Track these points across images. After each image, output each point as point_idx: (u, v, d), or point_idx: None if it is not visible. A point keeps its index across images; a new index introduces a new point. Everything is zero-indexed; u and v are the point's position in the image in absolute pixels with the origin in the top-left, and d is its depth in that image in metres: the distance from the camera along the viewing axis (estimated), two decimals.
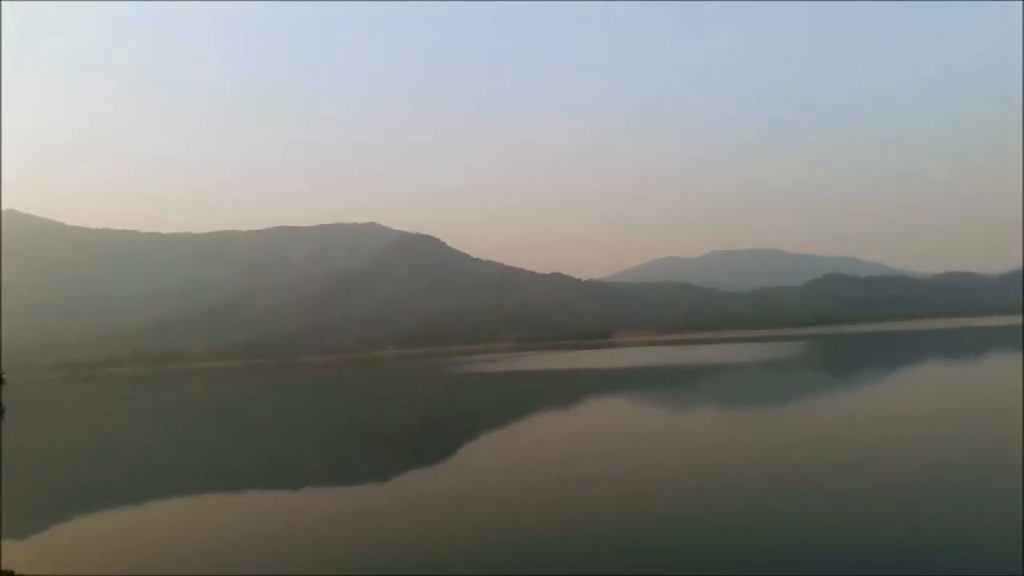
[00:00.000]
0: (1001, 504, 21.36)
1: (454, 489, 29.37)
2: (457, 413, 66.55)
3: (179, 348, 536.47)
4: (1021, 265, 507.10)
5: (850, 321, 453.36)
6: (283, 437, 55.25)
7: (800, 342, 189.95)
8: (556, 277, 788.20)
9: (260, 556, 20.70)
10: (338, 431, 58.11)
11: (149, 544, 23.12)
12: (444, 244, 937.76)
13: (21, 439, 65.35)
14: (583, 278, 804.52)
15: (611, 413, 57.17)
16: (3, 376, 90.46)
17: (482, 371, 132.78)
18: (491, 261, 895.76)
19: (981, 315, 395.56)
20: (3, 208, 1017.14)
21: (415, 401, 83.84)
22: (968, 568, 16.39)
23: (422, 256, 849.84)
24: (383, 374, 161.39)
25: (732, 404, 57.28)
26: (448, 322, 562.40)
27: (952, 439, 33.74)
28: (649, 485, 27.45)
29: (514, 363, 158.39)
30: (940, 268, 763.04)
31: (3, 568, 16.44)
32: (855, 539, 18.89)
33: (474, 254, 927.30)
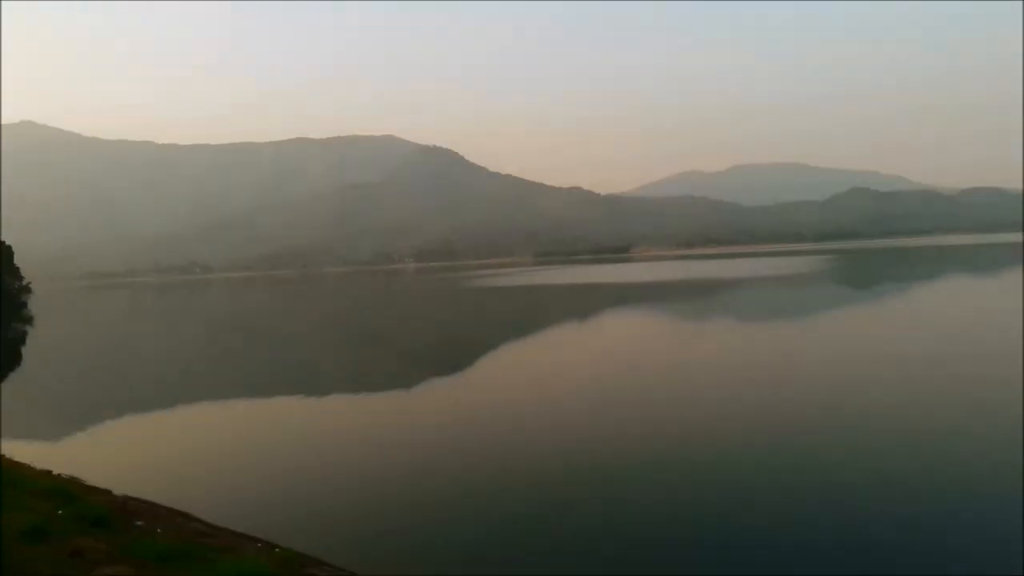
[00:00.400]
0: (1003, 423, 20.83)
1: (472, 398, 29.52)
2: (474, 326, 66.81)
3: (199, 259, 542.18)
4: None
5: (872, 236, 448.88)
6: (305, 345, 55.79)
7: (821, 257, 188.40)
8: (575, 191, 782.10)
9: (287, 460, 20.92)
10: (359, 341, 58.58)
11: (175, 447, 23.46)
12: (462, 158, 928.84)
13: (50, 345, 66.51)
14: (602, 192, 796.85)
15: (623, 327, 57.09)
16: (29, 286, 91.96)
17: (500, 285, 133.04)
18: (510, 175, 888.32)
19: (1008, 231, 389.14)
20: (16, 119, 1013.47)
21: (434, 314, 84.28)
22: (968, 495, 15.92)
23: (439, 170, 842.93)
24: (402, 287, 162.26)
25: (745, 319, 56.99)
26: (465, 236, 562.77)
27: (962, 357, 33.06)
28: (653, 399, 27.39)
29: (531, 278, 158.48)
30: (966, 183, 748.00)
31: (39, 468, 16.68)
32: (847, 460, 18.63)
33: (492, 168, 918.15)
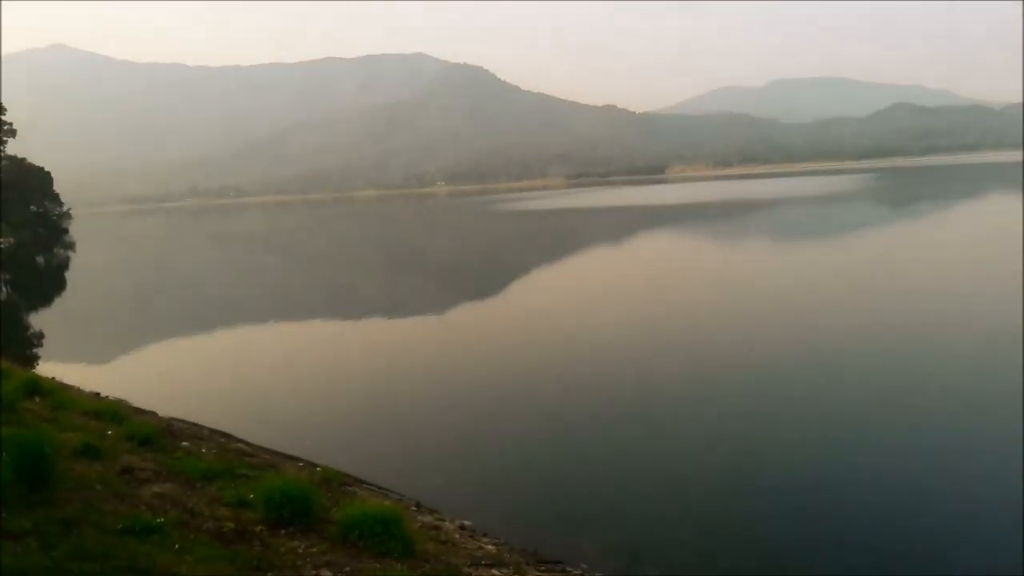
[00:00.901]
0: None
1: (500, 323, 29.71)
2: (507, 250, 66.81)
3: (232, 181, 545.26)
4: None
5: (916, 153, 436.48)
6: (342, 270, 56.38)
7: (860, 175, 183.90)
8: (609, 110, 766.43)
9: (325, 382, 21.39)
10: (393, 266, 59.01)
11: (217, 370, 24.09)
12: (493, 76, 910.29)
13: (92, 271, 68.02)
14: (637, 111, 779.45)
15: (657, 250, 56.67)
16: (70, 211, 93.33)
17: (532, 208, 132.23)
18: (542, 93, 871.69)
19: None
20: (48, 43, 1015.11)
21: (467, 238, 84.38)
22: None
23: (470, 88, 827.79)
24: (434, 210, 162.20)
25: (779, 240, 56.27)
26: (497, 157, 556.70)
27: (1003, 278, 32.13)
28: (687, 324, 27.31)
29: (564, 200, 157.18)
30: (1017, 97, 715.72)
31: (88, 390, 17.26)
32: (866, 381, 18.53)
33: (524, 86, 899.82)
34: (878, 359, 19.88)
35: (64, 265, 72.18)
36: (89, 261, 77.59)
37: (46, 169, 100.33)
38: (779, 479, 12.60)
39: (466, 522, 10.63)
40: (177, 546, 6.67)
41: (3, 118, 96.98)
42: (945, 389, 17.06)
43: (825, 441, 14.12)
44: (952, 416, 15.22)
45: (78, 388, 17.12)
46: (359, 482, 12.11)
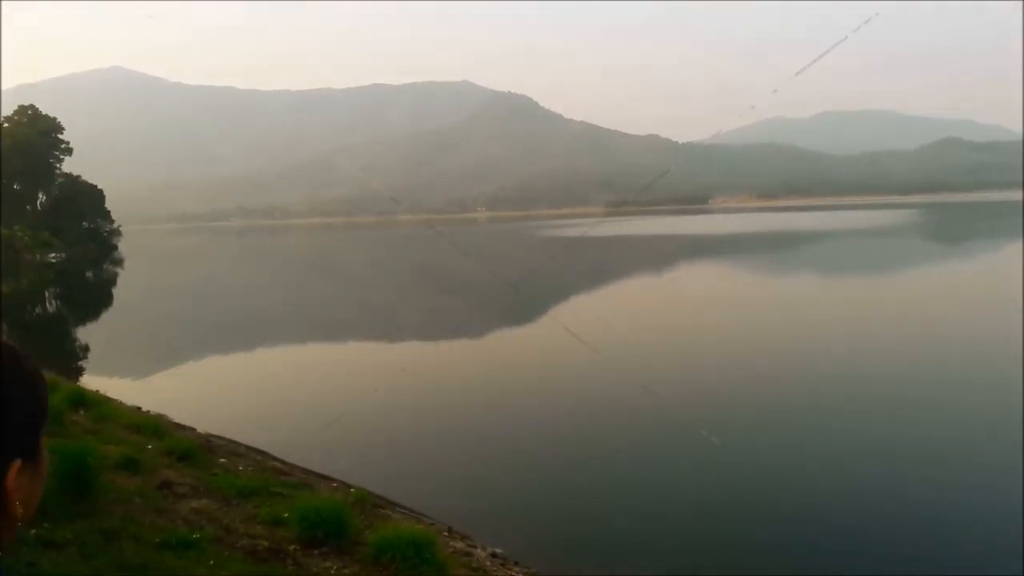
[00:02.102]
0: None
1: (541, 347, 29.61)
2: (549, 276, 66.72)
3: (278, 201, 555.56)
4: None
5: (964, 188, 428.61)
6: (383, 292, 56.85)
7: (906, 210, 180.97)
8: (652, 139, 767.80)
9: (361, 403, 21.48)
10: (435, 287, 59.35)
11: (255, 388, 24.34)
12: (537, 104, 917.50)
13: (139, 285, 69.53)
14: (681, 140, 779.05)
15: (699, 282, 56.09)
16: (120, 228, 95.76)
17: (574, 235, 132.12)
18: (585, 122, 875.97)
19: None
20: (107, 65, 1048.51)
21: (509, 263, 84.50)
22: None
23: (514, 116, 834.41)
24: (477, 235, 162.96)
25: (825, 274, 55.44)
26: (539, 184, 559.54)
27: None
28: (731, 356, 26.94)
29: (607, 228, 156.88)
30: None
31: (129, 404, 17.57)
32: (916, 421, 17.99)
33: (568, 115, 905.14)
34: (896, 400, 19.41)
35: (112, 281, 73.86)
36: (136, 277, 79.29)
37: (99, 186, 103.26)
38: (827, 518, 12.31)
39: (498, 550, 10.56)
40: (212, 562, 6.74)
41: (60, 137, 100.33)
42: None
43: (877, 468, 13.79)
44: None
45: (120, 401, 17.43)
46: (392, 504, 12.12)
